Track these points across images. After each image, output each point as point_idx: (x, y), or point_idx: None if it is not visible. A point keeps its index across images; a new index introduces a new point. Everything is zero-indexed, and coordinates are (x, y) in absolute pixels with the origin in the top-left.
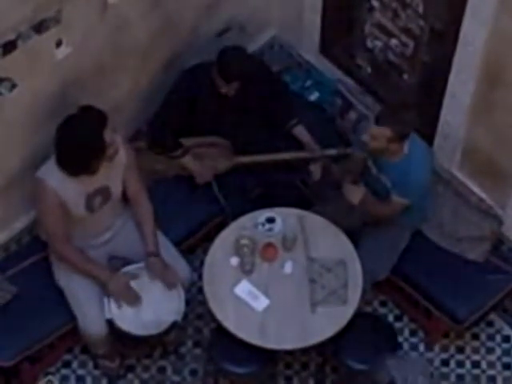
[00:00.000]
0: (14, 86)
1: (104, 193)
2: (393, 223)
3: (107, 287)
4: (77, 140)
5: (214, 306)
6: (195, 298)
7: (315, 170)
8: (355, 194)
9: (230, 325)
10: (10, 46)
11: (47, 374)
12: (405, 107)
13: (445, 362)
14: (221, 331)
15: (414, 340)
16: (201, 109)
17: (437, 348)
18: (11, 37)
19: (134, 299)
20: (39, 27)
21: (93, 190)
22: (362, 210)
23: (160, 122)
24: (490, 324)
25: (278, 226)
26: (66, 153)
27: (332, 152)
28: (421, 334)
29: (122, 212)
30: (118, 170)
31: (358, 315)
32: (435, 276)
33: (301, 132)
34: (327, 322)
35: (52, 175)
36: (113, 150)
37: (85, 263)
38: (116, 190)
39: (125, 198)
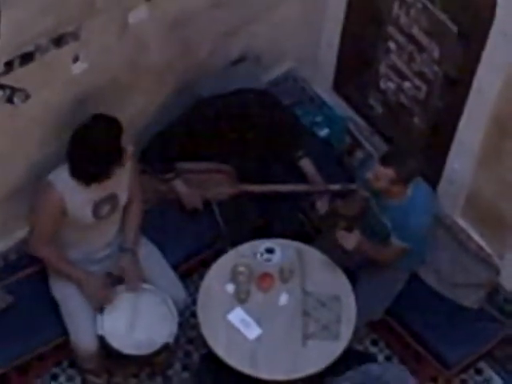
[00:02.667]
0: (27, 96)
1: (112, 201)
2: (390, 265)
3: (83, 286)
4: (96, 147)
5: (206, 331)
6: (188, 321)
7: (321, 204)
8: (349, 240)
9: (221, 351)
10: (27, 58)
11: None
12: (412, 152)
13: None
14: (211, 357)
15: None
16: (207, 137)
17: None
18: (30, 48)
19: (109, 297)
20: (58, 41)
21: (101, 198)
22: (357, 254)
23: (156, 146)
24: (479, 372)
25: (276, 256)
26: (82, 161)
27: (336, 187)
28: None
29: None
30: (125, 178)
31: (349, 352)
32: (428, 319)
33: (306, 165)
34: (317, 356)
35: (62, 180)
36: (127, 156)
37: (61, 263)
38: (123, 198)
39: None
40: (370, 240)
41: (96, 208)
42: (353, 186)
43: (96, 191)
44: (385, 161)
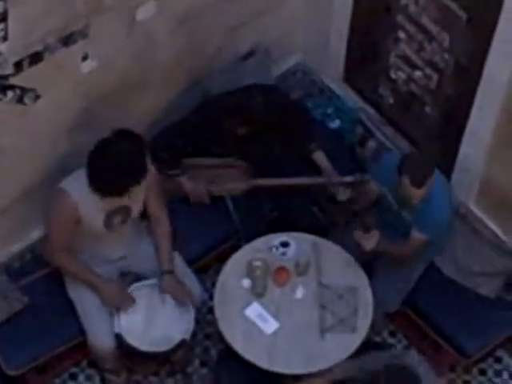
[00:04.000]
0: (37, 96)
1: (124, 212)
2: (410, 260)
3: (101, 294)
4: (122, 166)
5: (223, 326)
6: (205, 317)
7: (342, 191)
8: (368, 241)
9: (239, 346)
10: (36, 57)
11: None
12: (427, 154)
13: None
14: (228, 352)
15: None
16: (216, 133)
17: (443, 381)
18: (38, 48)
19: (127, 303)
20: (67, 40)
21: (114, 209)
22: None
23: (163, 141)
24: (498, 360)
25: (291, 250)
26: (101, 176)
27: (349, 179)
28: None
29: (138, 229)
30: (141, 190)
31: (367, 344)
32: (445, 309)
33: (320, 157)
34: (335, 349)
35: (77, 189)
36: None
37: (80, 271)
38: (136, 209)
39: (141, 215)
40: (390, 235)
41: (107, 219)
42: (366, 177)
43: (109, 203)
44: (420, 184)
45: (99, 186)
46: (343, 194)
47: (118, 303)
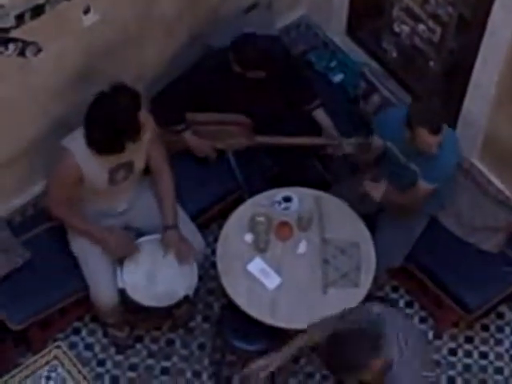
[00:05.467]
0: (39, 50)
1: (127, 167)
2: (418, 210)
3: (107, 245)
4: (112, 122)
5: (225, 281)
6: (208, 272)
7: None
8: (376, 190)
9: (241, 301)
10: (38, 10)
11: (56, 339)
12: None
13: (452, 351)
14: (231, 307)
15: (423, 327)
16: (221, 89)
17: (445, 337)
18: (40, 1)
19: (132, 250)
20: None
21: (116, 165)
22: (383, 202)
23: (166, 96)
24: (500, 316)
25: (294, 205)
26: (99, 133)
27: (351, 141)
28: (430, 321)
29: (141, 183)
30: (142, 144)
31: (369, 299)
32: (448, 264)
33: (321, 116)
34: (338, 304)
35: (78, 147)
36: (144, 131)
37: (82, 224)
38: (139, 164)
39: (143, 170)
40: (398, 188)
41: (111, 175)
42: (368, 140)
43: (112, 159)
44: (439, 130)
45: (94, 144)
46: (348, 147)
47: (123, 251)
